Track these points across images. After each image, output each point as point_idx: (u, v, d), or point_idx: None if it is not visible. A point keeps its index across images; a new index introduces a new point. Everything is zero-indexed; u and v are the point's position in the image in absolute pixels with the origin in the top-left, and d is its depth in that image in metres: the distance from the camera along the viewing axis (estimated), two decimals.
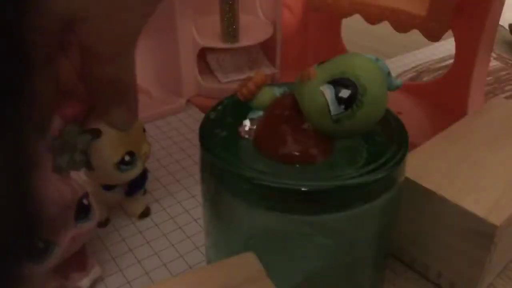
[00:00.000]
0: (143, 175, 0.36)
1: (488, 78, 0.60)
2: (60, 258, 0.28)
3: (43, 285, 0.29)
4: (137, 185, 0.36)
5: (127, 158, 0.33)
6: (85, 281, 0.31)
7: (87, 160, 0.31)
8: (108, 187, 0.35)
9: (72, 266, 0.30)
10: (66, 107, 0.29)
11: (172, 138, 0.48)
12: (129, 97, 0.31)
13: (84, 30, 0.26)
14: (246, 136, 0.28)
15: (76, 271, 0.31)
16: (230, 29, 0.52)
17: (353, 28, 0.64)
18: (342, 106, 0.24)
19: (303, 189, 0.24)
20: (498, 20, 0.44)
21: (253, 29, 0.55)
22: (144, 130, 0.35)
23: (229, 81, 0.55)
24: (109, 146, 0.32)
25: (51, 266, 0.28)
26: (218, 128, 0.28)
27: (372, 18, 0.45)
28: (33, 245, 0.26)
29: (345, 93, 0.24)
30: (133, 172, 0.34)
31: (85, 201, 0.29)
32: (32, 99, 0.12)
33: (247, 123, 0.28)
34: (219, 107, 0.30)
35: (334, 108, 0.25)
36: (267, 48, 0.57)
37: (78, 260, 0.31)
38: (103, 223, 0.37)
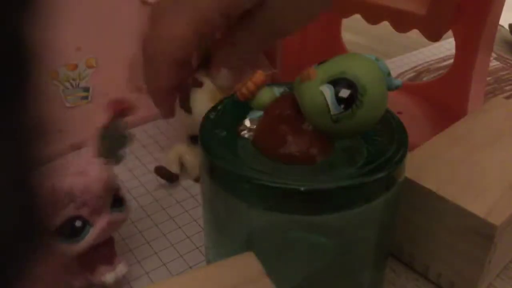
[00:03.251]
0: None
1: (488, 78, 0.60)
2: (93, 241, 0.29)
3: (72, 277, 0.31)
4: None
5: None
6: (110, 276, 0.31)
7: (122, 155, 0.32)
8: (195, 139, 0.37)
9: (99, 259, 0.31)
10: (117, 101, 0.31)
11: (172, 139, 0.48)
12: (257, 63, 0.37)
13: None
14: (246, 136, 0.28)
15: (103, 264, 0.31)
16: None
17: (353, 28, 0.64)
18: (342, 106, 0.24)
19: (303, 189, 0.24)
20: (498, 20, 0.44)
21: None
22: None
23: None
24: (208, 96, 0.35)
25: (84, 247, 0.29)
26: (218, 128, 0.28)
27: (372, 18, 0.45)
28: (69, 225, 0.28)
29: (345, 93, 0.24)
30: None
31: (120, 193, 0.31)
32: (32, 98, 0.12)
33: (247, 123, 0.28)
34: (219, 107, 0.30)
35: (334, 108, 0.25)
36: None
37: (106, 254, 0.31)
38: (174, 179, 0.40)
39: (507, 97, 0.57)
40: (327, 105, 0.25)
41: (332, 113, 0.25)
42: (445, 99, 0.48)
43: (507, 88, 0.60)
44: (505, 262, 0.34)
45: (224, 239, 0.29)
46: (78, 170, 0.29)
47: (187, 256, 0.35)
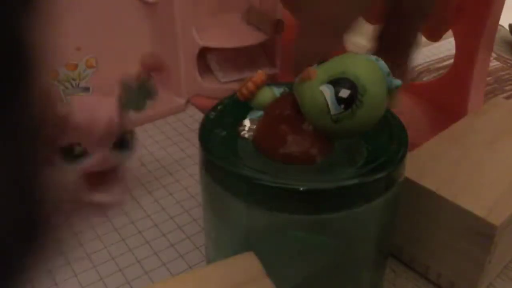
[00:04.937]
0: None
1: (488, 78, 0.60)
2: (89, 168, 0.34)
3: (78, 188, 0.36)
4: None
5: None
6: (101, 196, 0.37)
7: (143, 106, 0.36)
8: None
9: (102, 183, 0.37)
10: (149, 56, 0.36)
11: (171, 138, 0.48)
12: None
13: None
14: (246, 136, 0.28)
15: (104, 187, 0.37)
16: None
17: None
18: (342, 106, 0.24)
19: (302, 189, 0.24)
20: (498, 20, 0.44)
21: (253, 29, 0.55)
22: None
23: (229, 81, 0.55)
24: None
25: (83, 169, 0.34)
26: (218, 128, 0.28)
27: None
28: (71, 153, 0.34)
29: (345, 93, 0.24)
30: None
31: (128, 137, 0.36)
32: (32, 98, 0.12)
33: (247, 123, 0.28)
34: (219, 107, 0.30)
35: (334, 108, 0.25)
36: (267, 48, 0.57)
37: (109, 181, 0.37)
38: None
39: (507, 97, 0.57)
40: (327, 105, 0.25)
41: (332, 113, 0.25)
42: (445, 99, 0.48)
43: (507, 88, 0.60)
44: (505, 262, 0.34)
45: (224, 239, 0.29)
46: (88, 108, 0.33)
47: (187, 256, 0.35)
